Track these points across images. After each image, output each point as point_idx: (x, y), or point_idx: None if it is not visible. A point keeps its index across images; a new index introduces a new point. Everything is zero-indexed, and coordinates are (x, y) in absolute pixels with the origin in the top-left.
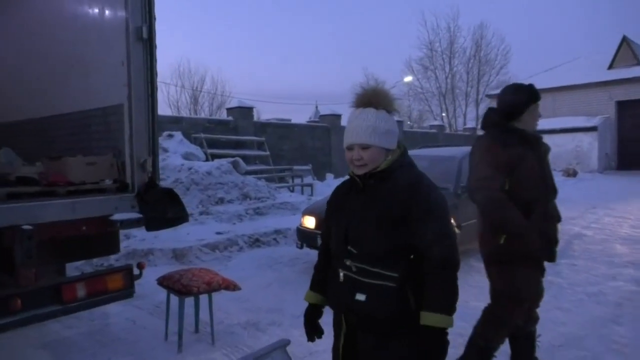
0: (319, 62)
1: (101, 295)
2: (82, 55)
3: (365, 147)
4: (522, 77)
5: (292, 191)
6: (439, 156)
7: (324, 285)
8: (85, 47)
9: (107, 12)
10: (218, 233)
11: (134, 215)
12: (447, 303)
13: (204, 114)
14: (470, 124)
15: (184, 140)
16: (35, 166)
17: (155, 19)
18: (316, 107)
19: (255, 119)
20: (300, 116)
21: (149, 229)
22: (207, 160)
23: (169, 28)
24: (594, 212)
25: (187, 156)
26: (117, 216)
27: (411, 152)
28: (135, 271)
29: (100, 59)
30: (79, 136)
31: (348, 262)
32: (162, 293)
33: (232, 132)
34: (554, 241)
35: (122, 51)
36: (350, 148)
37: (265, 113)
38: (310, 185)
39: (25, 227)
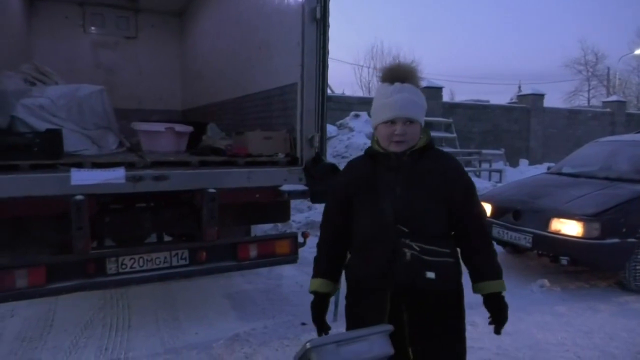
0: (525, 38)
1: (269, 257)
2: (268, 39)
3: (410, 122)
4: None
5: (478, 176)
6: None
7: (337, 273)
8: (271, 31)
9: None
10: None
11: (301, 187)
12: (500, 270)
13: None
14: None
15: (370, 121)
16: (230, 139)
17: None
18: (519, 87)
19: (448, 99)
20: (501, 97)
21: (314, 200)
22: None
23: (365, 12)
24: None
25: (370, 136)
26: (285, 187)
27: (628, 137)
28: (300, 239)
29: (281, 40)
30: (262, 113)
31: (407, 241)
32: None
33: None
34: None
35: (298, 32)
36: (392, 122)
37: (461, 94)
38: (500, 171)
39: (211, 190)
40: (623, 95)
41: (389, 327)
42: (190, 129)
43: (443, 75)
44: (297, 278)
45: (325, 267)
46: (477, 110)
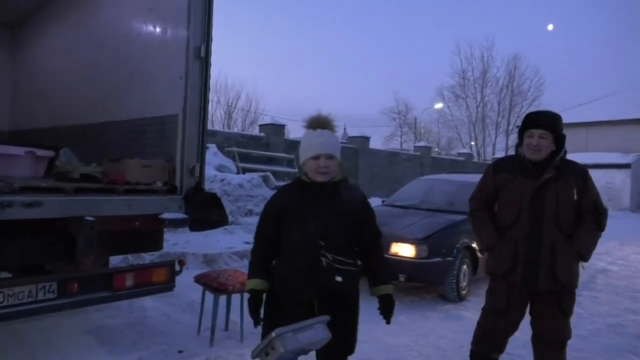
0: (350, 85)
1: (146, 287)
2: (143, 69)
3: (330, 158)
4: (555, 110)
5: None
6: (467, 182)
7: (267, 273)
8: (147, 61)
9: (170, 31)
10: (246, 243)
11: (180, 215)
12: (391, 277)
13: (236, 129)
14: (500, 154)
15: (218, 153)
16: (91, 166)
17: (212, 40)
18: (344, 128)
19: (285, 137)
20: None
21: (192, 229)
22: (238, 173)
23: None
24: (621, 249)
25: (220, 168)
26: (165, 215)
27: (441, 176)
28: (176, 267)
29: (160, 72)
30: (133, 141)
31: (324, 252)
32: (195, 292)
33: (264, 148)
34: (527, 264)
35: (181, 67)
36: (316, 158)
37: (295, 132)
38: None
39: (88, 218)
40: (427, 141)
41: (327, 318)
42: (51, 153)
43: (281, 113)
44: (161, 309)
45: (261, 269)
46: None
